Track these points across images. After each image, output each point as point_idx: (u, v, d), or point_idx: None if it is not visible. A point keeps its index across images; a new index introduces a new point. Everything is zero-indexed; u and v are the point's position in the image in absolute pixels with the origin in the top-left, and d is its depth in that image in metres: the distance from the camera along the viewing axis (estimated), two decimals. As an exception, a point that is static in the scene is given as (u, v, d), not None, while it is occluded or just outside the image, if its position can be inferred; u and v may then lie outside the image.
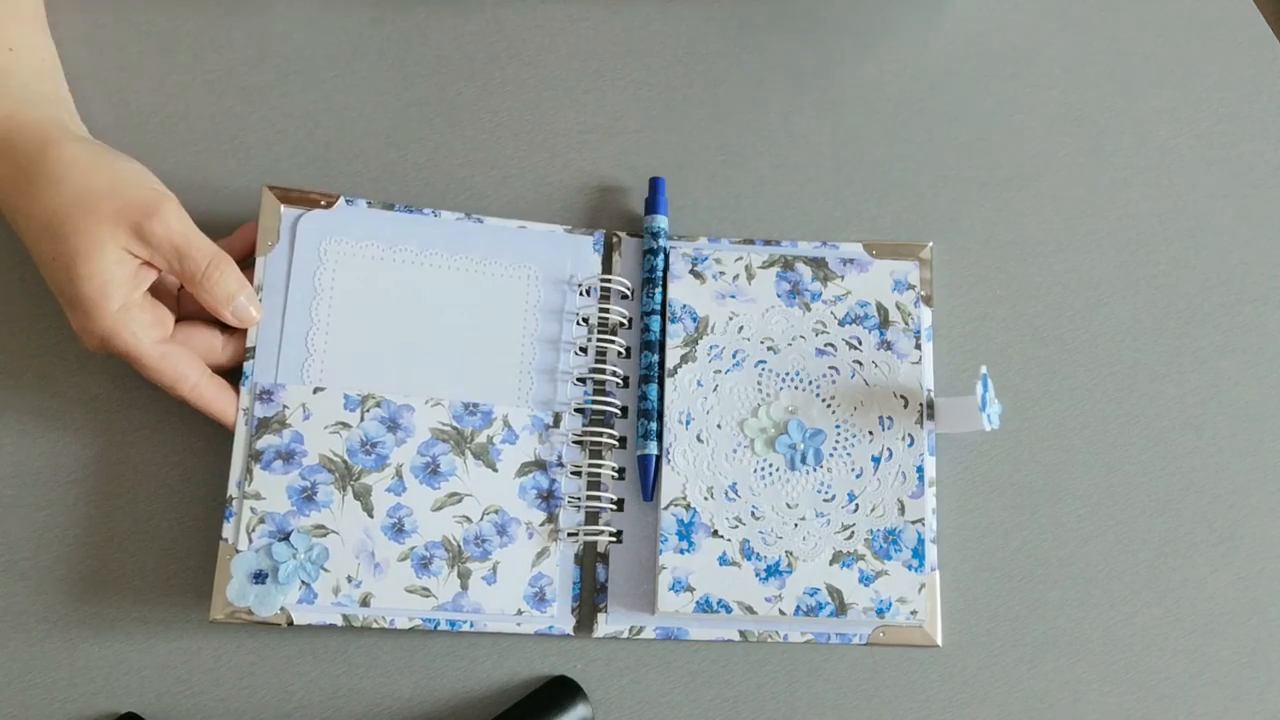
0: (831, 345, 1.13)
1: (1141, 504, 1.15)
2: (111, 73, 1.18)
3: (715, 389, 1.11)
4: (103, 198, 1.00)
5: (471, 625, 1.06)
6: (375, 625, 1.04)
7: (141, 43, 1.20)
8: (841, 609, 1.07)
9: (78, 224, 0.99)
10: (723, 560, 1.07)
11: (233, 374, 1.08)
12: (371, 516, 1.05)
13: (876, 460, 1.10)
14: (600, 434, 1.11)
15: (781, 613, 1.07)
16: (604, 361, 1.13)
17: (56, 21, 1.16)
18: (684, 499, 1.08)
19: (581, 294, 1.14)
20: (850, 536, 1.08)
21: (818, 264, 1.15)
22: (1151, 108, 1.26)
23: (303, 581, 1.03)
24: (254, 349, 1.07)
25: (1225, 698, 1.11)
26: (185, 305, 1.08)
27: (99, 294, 1.00)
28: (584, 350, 1.13)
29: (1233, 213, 1.23)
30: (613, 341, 1.13)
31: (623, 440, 1.12)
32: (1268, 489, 1.16)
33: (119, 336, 1.01)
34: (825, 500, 1.09)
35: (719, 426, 1.10)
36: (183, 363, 1.04)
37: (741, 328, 1.13)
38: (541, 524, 1.09)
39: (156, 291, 1.05)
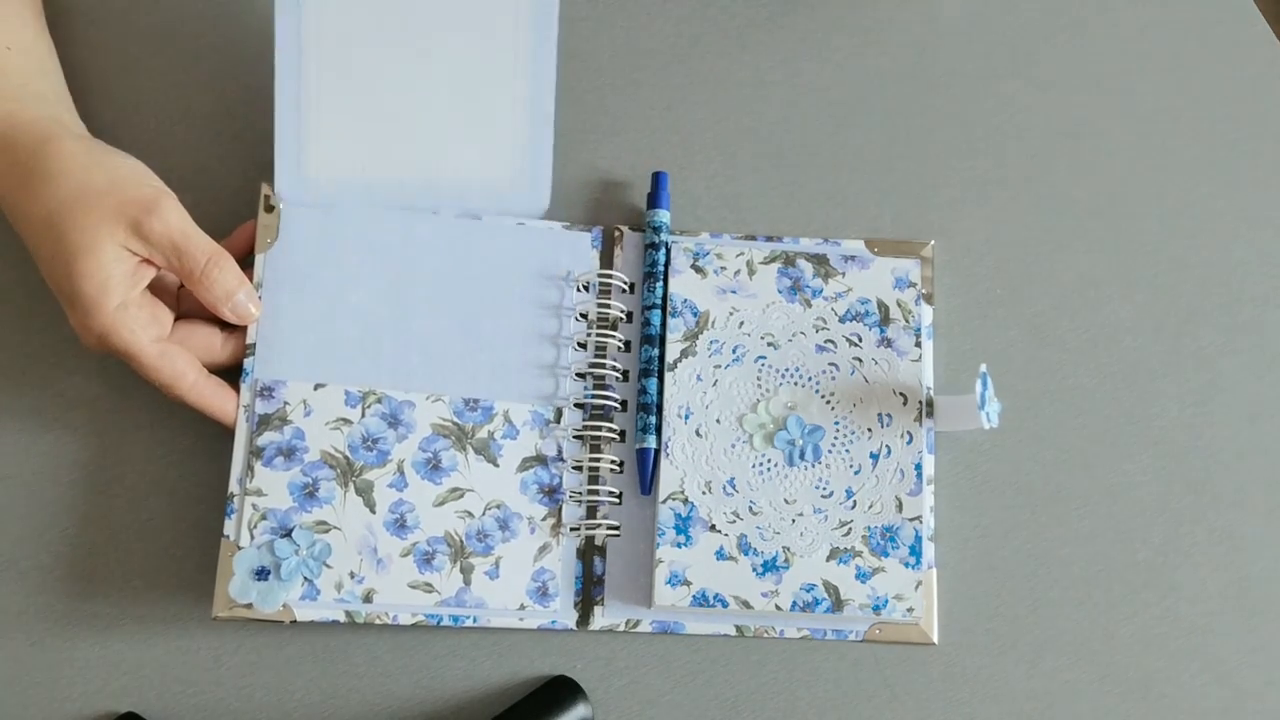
0: (832, 342, 1.13)
1: (1141, 504, 1.15)
2: (111, 72, 1.19)
3: (715, 384, 1.11)
4: (101, 195, 1.01)
5: (475, 620, 1.07)
6: (378, 621, 1.04)
7: (141, 42, 1.20)
8: (838, 605, 1.07)
9: (76, 221, 1.00)
10: (720, 555, 1.07)
11: (233, 372, 1.08)
12: (374, 512, 1.05)
13: (875, 457, 1.10)
14: (600, 428, 1.11)
15: (778, 608, 1.07)
16: (604, 356, 1.13)
17: (56, 21, 1.16)
18: (682, 493, 1.09)
19: (579, 289, 1.14)
20: (848, 533, 1.08)
21: (819, 260, 1.15)
22: (1151, 108, 1.26)
23: (305, 578, 1.03)
24: (254, 346, 1.08)
25: (1225, 698, 1.11)
26: (185, 303, 1.08)
27: (98, 291, 1.00)
28: (583, 345, 1.13)
29: (1233, 213, 1.23)
30: (612, 336, 1.13)
31: (623, 434, 1.13)
32: (1268, 489, 1.16)
33: (117, 334, 1.01)
34: (823, 496, 1.09)
35: (718, 421, 1.11)
36: (180, 361, 1.04)
37: (742, 323, 1.13)
38: (544, 519, 1.09)
39: (156, 290, 1.06)
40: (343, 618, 1.04)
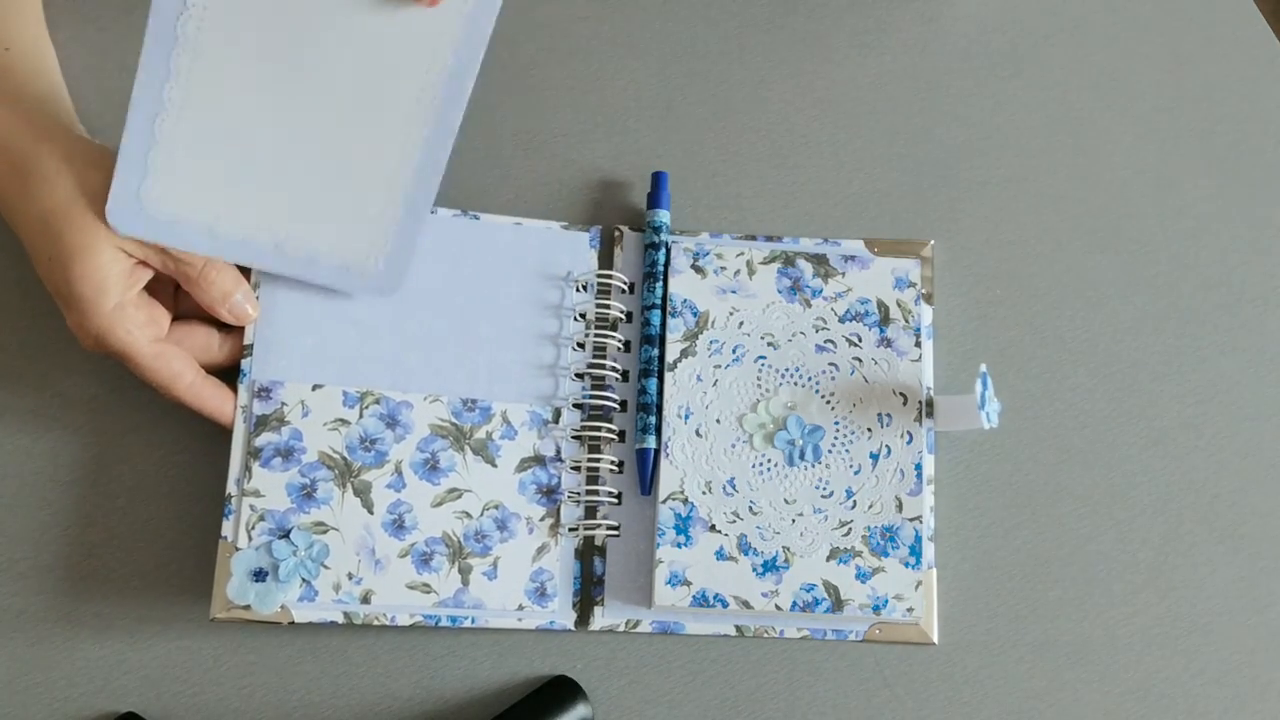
0: (831, 342, 1.13)
1: (1141, 504, 1.15)
2: (111, 73, 1.18)
3: (715, 384, 1.11)
4: (98, 196, 1.00)
5: (473, 621, 1.07)
6: (376, 622, 1.04)
7: (141, 43, 1.20)
8: (838, 605, 1.07)
9: (73, 222, 1.00)
10: (720, 555, 1.07)
11: (231, 372, 1.08)
12: (372, 513, 1.05)
13: (875, 457, 1.10)
14: (599, 428, 1.11)
15: (778, 608, 1.07)
16: (602, 356, 1.13)
17: (56, 21, 1.16)
18: (682, 493, 1.09)
19: (578, 289, 1.14)
20: (848, 533, 1.08)
21: (819, 260, 1.15)
22: (1151, 108, 1.26)
23: (303, 579, 1.02)
24: (251, 346, 1.07)
25: (1225, 698, 1.11)
26: (182, 304, 1.08)
27: (94, 292, 1.00)
28: (582, 346, 1.13)
29: (1233, 213, 1.23)
30: (611, 336, 1.13)
31: (622, 435, 1.13)
32: (1268, 489, 1.16)
33: (114, 335, 1.01)
34: (823, 496, 1.09)
35: (718, 421, 1.11)
36: (178, 362, 1.04)
37: (742, 323, 1.13)
38: (542, 519, 1.09)
39: (153, 290, 1.06)
40: (341, 619, 1.03)
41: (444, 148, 1.06)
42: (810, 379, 1.12)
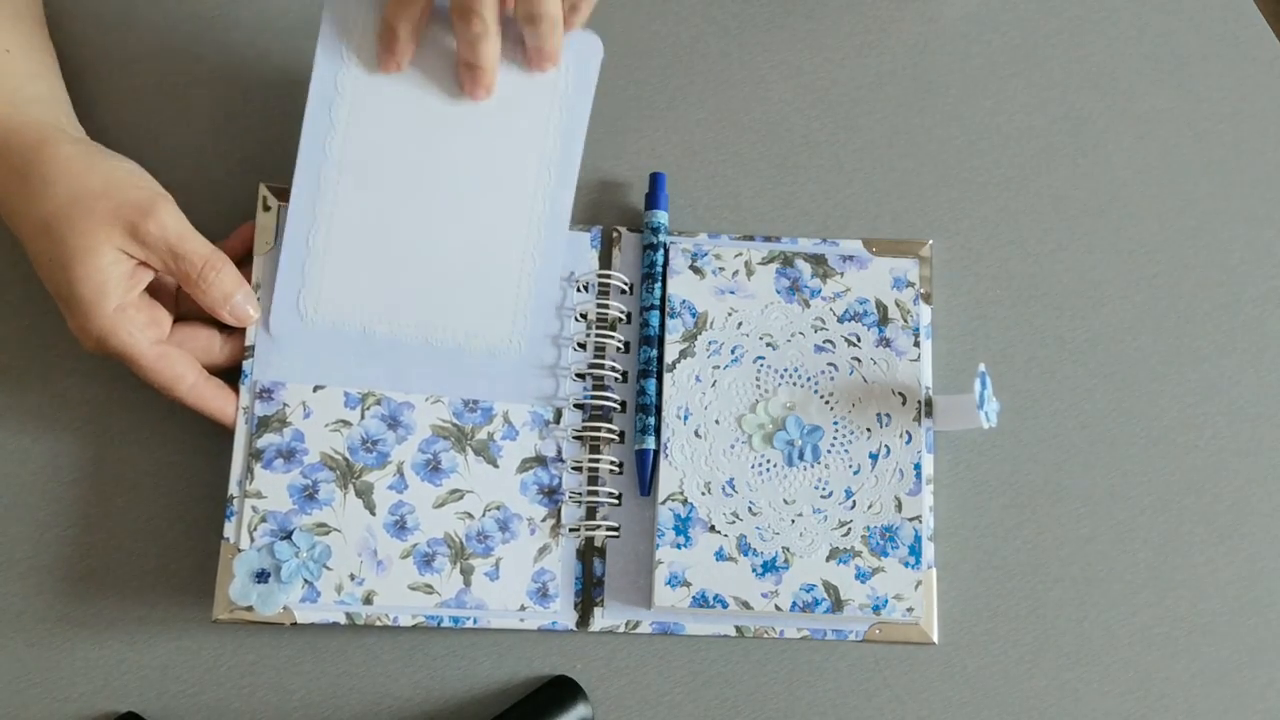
0: (830, 342, 1.13)
1: (1141, 504, 1.15)
2: (111, 73, 1.18)
3: (714, 384, 1.11)
4: (98, 198, 1.01)
5: (475, 621, 1.07)
6: (378, 623, 1.04)
7: (141, 42, 1.20)
8: (838, 605, 1.07)
9: (73, 225, 1.00)
10: (719, 555, 1.07)
11: (233, 373, 1.08)
12: (373, 514, 1.05)
13: (874, 457, 1.10)
14: (599, 429, 1.11)
15: (778, 608, 1.07)
16: (603, 356, 1.13)
17: (56, 21, 1.16)
18: (681, 494, 1.09)
19: (579, 289, 1.14)
20: (847, 533, 1.08)
21: (817, 260, 1.15)
22: (1151, 108, 1.26)
23: (305, 580, 1.02)
24: (253, 347, 1.07)
25: (1225, 698, 1.11)
26: (184, 304, 1.08)
27: (95, 294, 1.00)
28: (583, 346, 1.13)
29: (1233, 213, 1.23)
30: (611, 337, 1.13)
31: (622, 435, 1.13)
32: (1268, 489, 1.16)
33: (115, 336, 1.01)
34: (823, 496, 1.09)
35: (717, 422, 1.11)
36: (180, 363, 1.04)
37: (740, 323, 1.13)
38: (543, 519, 1.09)
39: (154, 291, 1.06)
40: (343, 620, 1.04)
41: (563, 220, 1.12)
42: (809, 379, 1.12)
